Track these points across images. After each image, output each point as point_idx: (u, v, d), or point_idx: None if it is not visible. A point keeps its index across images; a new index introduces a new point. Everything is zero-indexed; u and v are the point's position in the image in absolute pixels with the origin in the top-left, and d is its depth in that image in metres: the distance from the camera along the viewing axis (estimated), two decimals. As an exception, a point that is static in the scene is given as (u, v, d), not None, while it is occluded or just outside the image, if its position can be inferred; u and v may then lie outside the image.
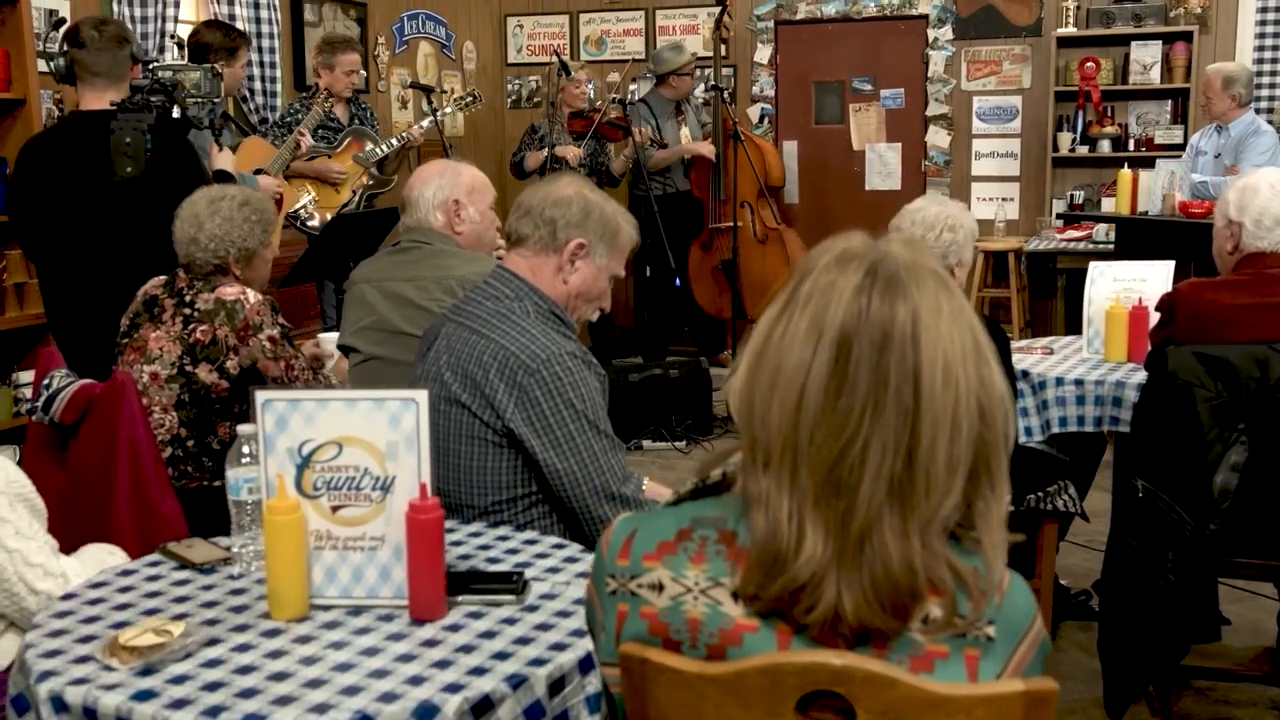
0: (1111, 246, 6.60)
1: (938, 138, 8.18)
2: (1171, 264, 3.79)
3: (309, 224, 5.92)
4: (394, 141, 6.15)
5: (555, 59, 6.96)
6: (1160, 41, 7.51)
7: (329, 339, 3.76)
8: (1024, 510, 3.49)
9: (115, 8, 5.60)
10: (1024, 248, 7.34)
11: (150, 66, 3.96)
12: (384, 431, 1.83)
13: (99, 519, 3.03)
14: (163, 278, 3.27)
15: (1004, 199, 8.11)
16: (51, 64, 3.93)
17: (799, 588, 1.26)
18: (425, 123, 6.29)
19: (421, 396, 1.82)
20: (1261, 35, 7.36)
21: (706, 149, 7.28)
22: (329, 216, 5.94)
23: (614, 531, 1.40)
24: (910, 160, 8.30)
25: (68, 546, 2.32)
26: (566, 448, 2.24)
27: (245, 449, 2.03)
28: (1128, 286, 3.77)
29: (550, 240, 2.36)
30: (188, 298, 3.14)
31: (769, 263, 7.45)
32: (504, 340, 2.28)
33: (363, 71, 6.28)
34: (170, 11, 5.85)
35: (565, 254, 2.38)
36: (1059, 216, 7.01)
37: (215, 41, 5.26)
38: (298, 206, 5.91)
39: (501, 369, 2.25)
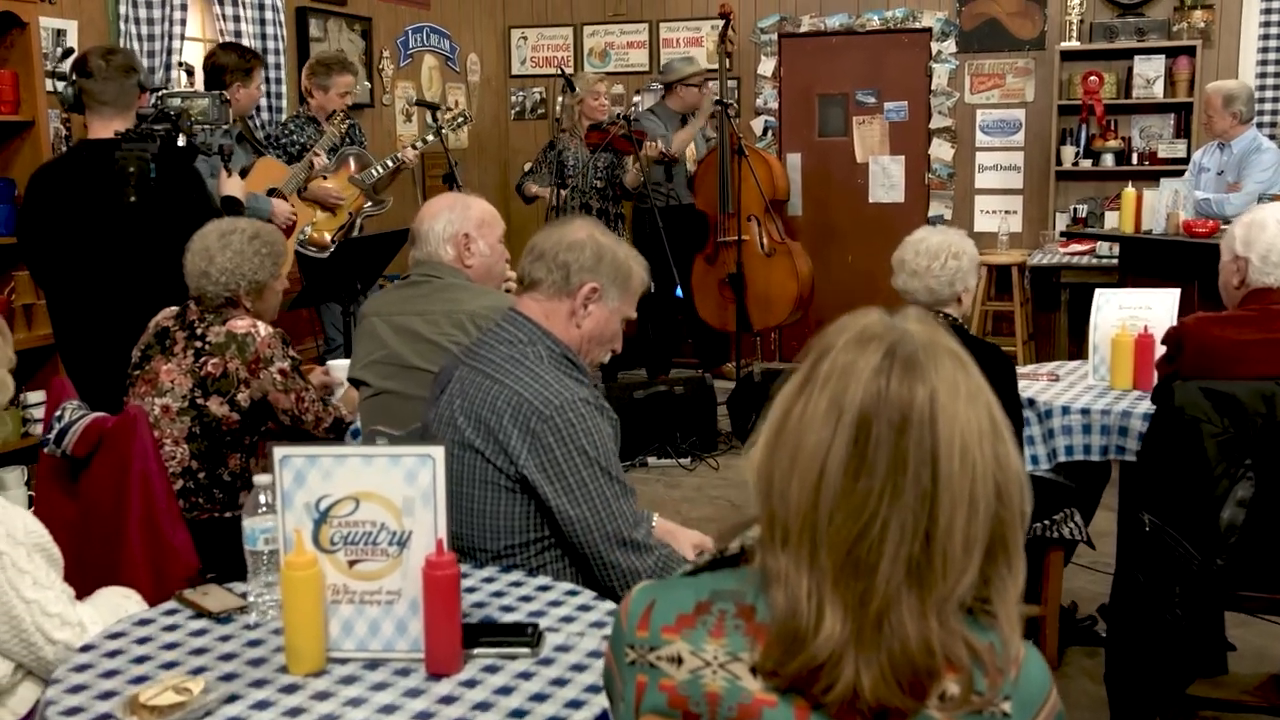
0: (1116, 261, 6.62)
1: (941, 150, 8.19)
2: (1177, 292, 3.81)
3: (309, 249, 5.93)
4: (388, 163, 6.15)
5: (560, 75, 6.96)
6: (1163, 56, 7.53)
7: (338, 367, 3.78)
8: (1030, 538, 3.51)
9: (122, 26, 5.61)
10: (1027, 262, 7.35)
11: (158, 95, 3.98)
12: (400, 487, 1.84)
13: (111, 551, 3.05)
14: (174, 309, 3.29)
15: (1007, 212, 8.12)
16: (60, 93, 3.95)
17: (818, 666, 1.28)
18: (419, 144, 6.28)
19: (438, 453, 1.83)
20: (1264, 50, 7.38)
21: (679, 142, 7.25)
22: (327, 239, 5.97)
23: (632, 601, 1.41)
24: (914, 173, 8.32)
25: (79, 578, 2.33)
26: (579, 494, 2.25)
27: (261, 498, 2.04)
28: (1134, 314, 3.78)
29: (564, 284, 2.38)
30: (199, 330, 3.16)
31: (775, 276, 7.45)
32: (517, 386, 2.29)
33: (355, 92, 6.30)
34: (177, 29, 5.87)
35: (579, 298, 2.39)
36: (1063, 234, 7.02)
37: (230, 63, 5.28)
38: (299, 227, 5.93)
39: (515, 415, 2.27)
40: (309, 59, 6.47)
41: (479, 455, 2.30)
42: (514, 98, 9.02)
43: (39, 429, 4.87)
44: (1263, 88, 7.37)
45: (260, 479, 2.04)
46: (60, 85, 5.04)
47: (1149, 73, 7.56)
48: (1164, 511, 2.97)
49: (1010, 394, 3.49)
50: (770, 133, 8.47)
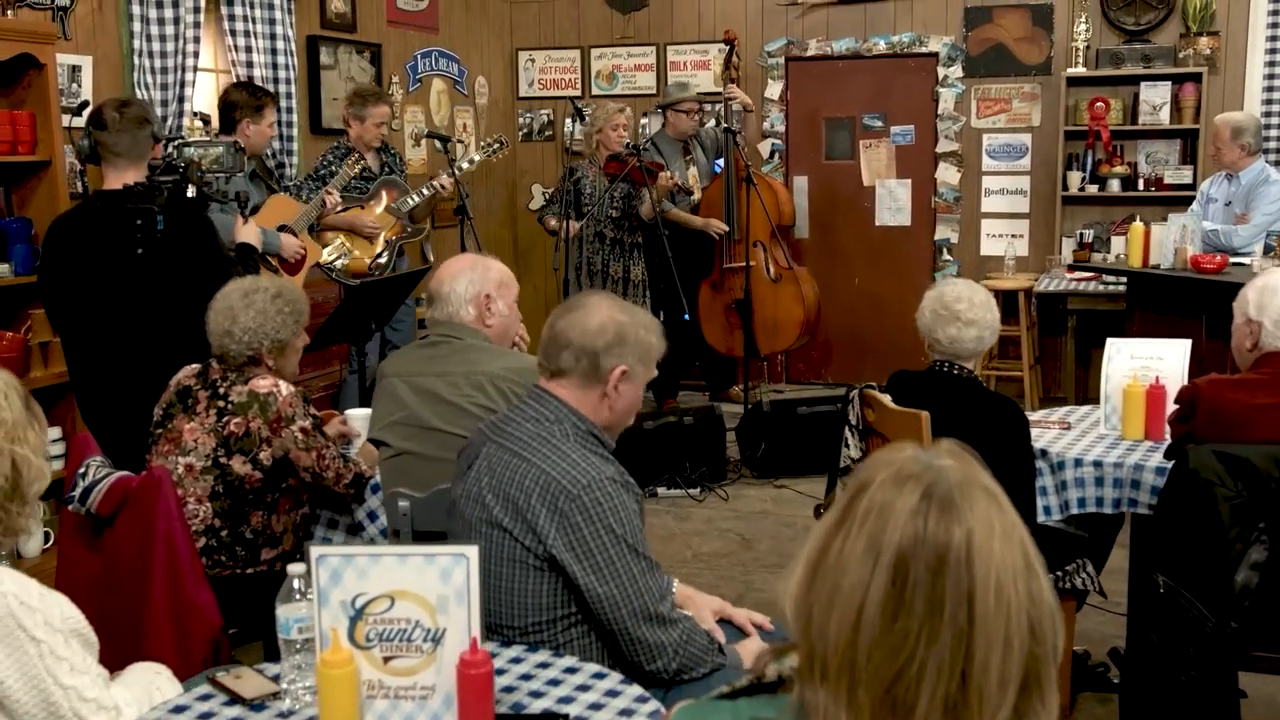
0: (1123, 287, 6.63)
1: (948, 174, 8.23)
2: (1188, 343, 3.84)
3: (350, 279, 5.97)
4: (424, 191, 6.20)
5: (571, 106, 6.99)
6: (1169, 82, 7.56)
7: (355, 417, 3.82)
8: (1043, 590, 3.53)
9: (136, 60, 5.65)
10: (1034, 288, 7.38)
11: (174, 143, 4.02)
12: (435, 585, 1.87)
13: (135, 608, 3.08)
14: (195, 367, 3.32)
15: (1014, 235, 8.16)
16: (77, 145, 3.99)
17: (857, 801, 1.31)
18: (457, 171, 6.32)
19: (472, 552, 1.86)
20: (1271, 76, 7.40)
21: (717, 227, 7.37)
22: (367, 264, 6.01)
23: None
24: (920, 196, 8.35)
25: (102, 633, 2.35)
26: (607, 572, 2.28)
27: (295, 584, 2.07)
28: (1145, 365, 3.81)
29: (593, 373, 2.41)
30: (221, 390, 3.19)
31: (782, 302, 7.49)
32: (545, 464, 2.33)
33: (392, 125, 6.35)
34: (190, 61, 5.91)
35: (611, 383, 2.43)
36: (1071, 266, 7.03)
37: (241, 101, 5.32)
38: (334, 259, 5.97)
39: (543, 494, 2.30)
40: (348, 91, 6.51)
41: (507, 534, 2.33)
42: (521, 119, 9.06)
43: (56, 465, 4.92)
44: (1269, 114, 7.39)
45: (294, 568, 2.07)
46: (74, 121, 5.11)
47: (1155, 99, 7.59)
48: (1178, 573, 3.00)
49: (1023, 447, 3.53)
50: (777, 156, 8.50)
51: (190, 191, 3.83)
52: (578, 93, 8.85)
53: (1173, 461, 3.29)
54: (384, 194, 6.16)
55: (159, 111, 5.75)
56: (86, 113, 4.06)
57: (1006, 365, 7.78)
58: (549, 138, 8.99)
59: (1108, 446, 3.70)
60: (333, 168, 6.04)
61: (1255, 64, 7.48)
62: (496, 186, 8.80)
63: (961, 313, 3.48)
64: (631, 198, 6.87)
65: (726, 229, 7.40)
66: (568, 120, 8.83)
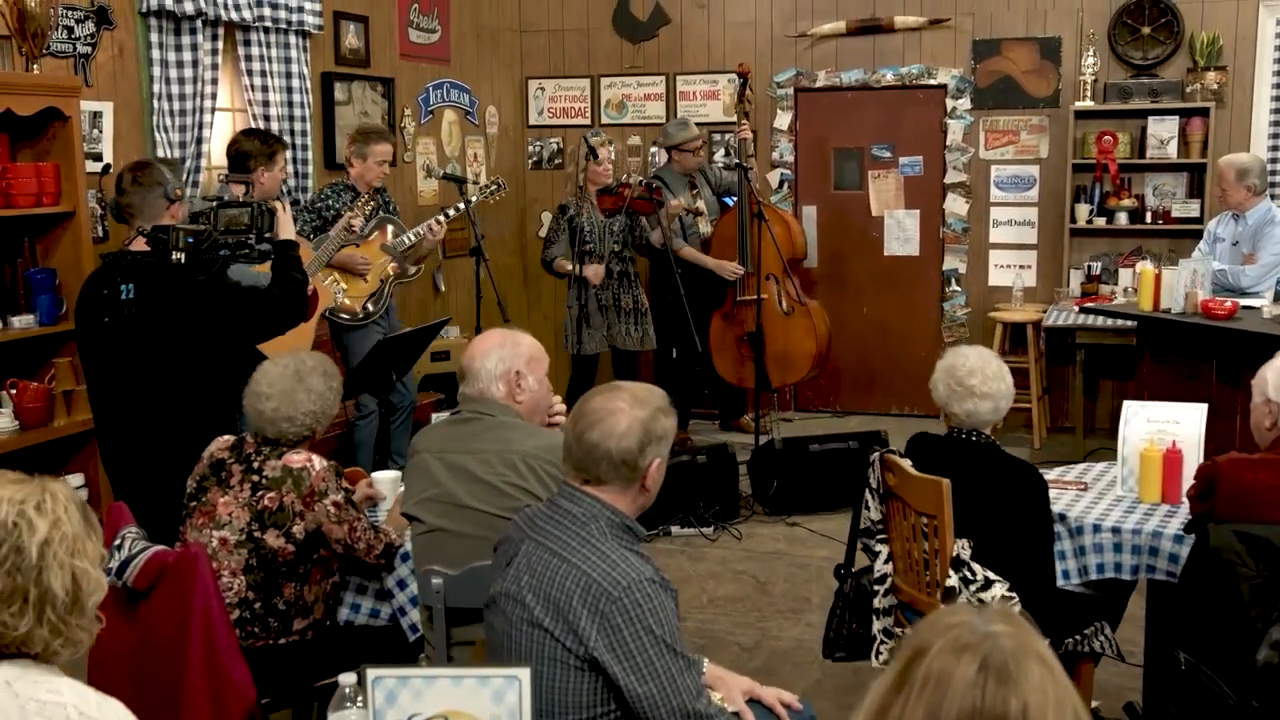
0: (1132, 323, 6.67)
1: (956, 205, 8.28)
2: (1204, 408, 3.89)
3: (341, 316, 6.02)
4: (420, 230, 6.24)
5: (583, 143, 7.03)
6: (1177, 117, 7.61)
7: (383, 480, 3.87)
8: (1062, 653, 3.59)
9: (156, 104, 5.69)
10: (1044, 321, 7.42)
11: (212, 202, 4.07)
12: (488, 706, 1.92)
13: (171, 681, 3.13)
14: (229, 439, 3.37)
15: (1021, 266, 8.21)
16: (107, 202, 4.10)
17: None
18: (447, 214, 6.36)
19: (524, 674, 1.91)
20: (1278, 111, 7.46)
21: (731, 270, 7.43)
22: (357, 307, 6.06)
23: None
24: (928, 226, 8.40)
25: (138, 706, 2.39)
26: (646, 673, 2.33)
27: (346, 692, 2.12)
28: (1161, 429, 3.86)
29: (631, 476, 2.48)
30: (255, 464, 3.24)
31: (794, 335, 7.55)
32: (585, 566, 2.38)
33: (404, 158, 6.39)
34: (208, 104, 5.95)
35: (649, 478, 2.50)
36: (1083, 309, 7.07)
37: (254, 150, 5.37)
38: (333, 291, 6.02)
39: (584, 596, 2.35)
40: (351, 130, 6.56)
41: (548, 634, 2.38)
42: (531, 148, 9.11)
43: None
44: (1276, 149, 7.46)
45: (345, 678, 2.12)
46: (91, 166, 5.19)
47: (1162, 133, 7.65)
48: (1200, 650, 3.05)
49: (1043, 512, 3.58)
50: (786, 185, 8.55)
51: (177, 257, 3.88)
52: (587, 121, 8.90)
53: (1192, 534, 3.35)
54: (378, 232, 6.19)
55: (177, 153, 5.80)
56: (114, 173, 4.17)
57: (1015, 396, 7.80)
58: (559, 166, 9.04)
59: (1125, 510, 3.75)
60: (330, 202, 6.07)
61: (1262, 99, 7.54)
62: (506, 215, 8.84)
63: (976, 387, 3.53)
64: (632, 229, 6.91)
65: (741, 272, 7.45)
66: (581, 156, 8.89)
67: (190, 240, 3.82)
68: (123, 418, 3.94)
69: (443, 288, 8.07)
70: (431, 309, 7.93)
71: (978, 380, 3.55)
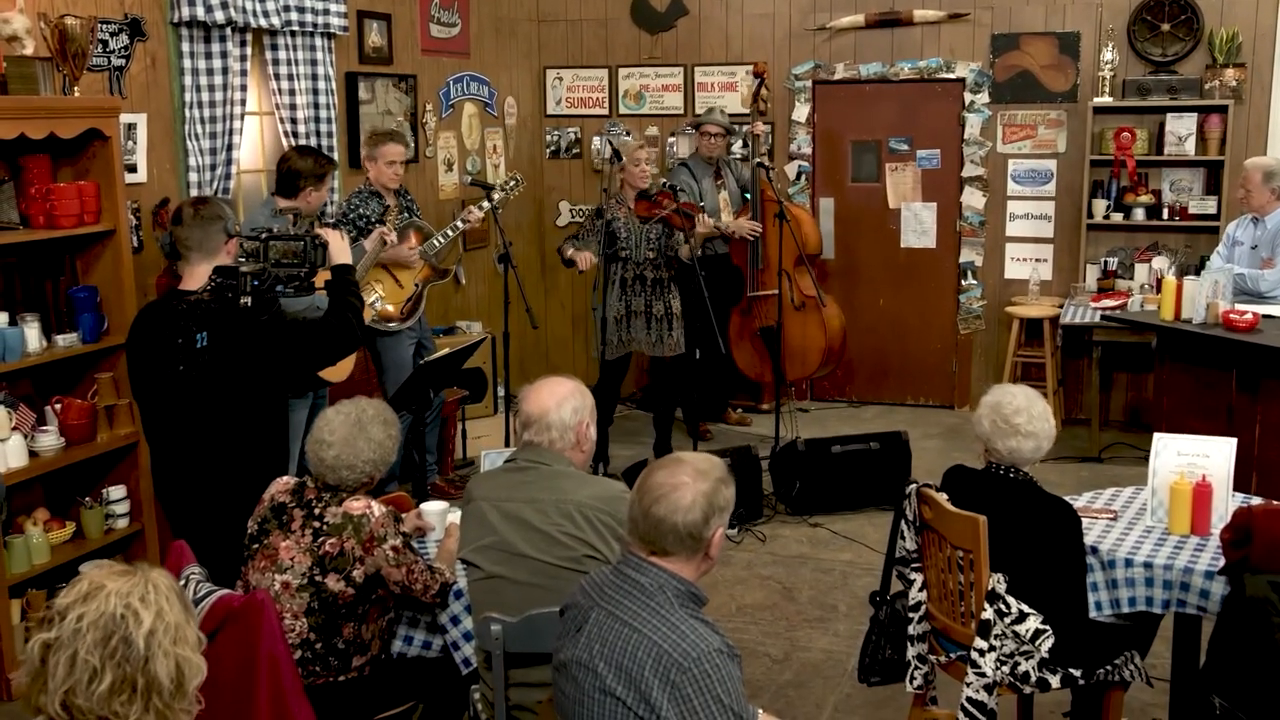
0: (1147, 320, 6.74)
1: (973, 198, 8.33)
2: (1234, 442, 3.96)
3: (384, 324, 6.09)
4: (448, 232, 6.33)
5: (608, 145, 7.07)
6: (1195, 114, 7.65)
7: (431, 511, 3.96)
8: (1093, 683, 3.69)
9: (188, 113, 5.73)
10: (1060, 318, 7.49)
11: (244, 246, 4.10)
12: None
13: (236, 721, 3.23)
14: (290, 483, 3.45)
15: (1038, 259, 8.27)
16: (159, 243, 4.13)
17: None
18: (480, 209, 6.44)
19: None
20: (1296, 109, 7.51)
21: (746, 228, 7.47)
22: (392, 310, 6.14)
23: None
24: (945, 219, 8.46)
25: None
26: (714, 740, 2.44)
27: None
28: (1191, 462, 3.94)
29: (696, 546, 2.57)
30: (317, 510, 3.33)
31: (805, 330, 7.63)
32: (656, 636, 2.47)
33: (426, 153, 6.43)
34: (237, 109, 6.00)
35: (713, 547, 2.59)
36: (1104, 318, 7.12)
37: (306, 170, 5.44)
38: (370, 301, 6.09)
39: (656, 666, 2.45)
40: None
41: (620, 702, 2.48)
42: (549, 137, 9.14)
43: (121, 523, 5.08)
44: (1293, 145, 7.51)
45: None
46: (131, 178, 5.25)
47: (1181, 130, 7.69)
48: (1235, 695, 3.16)
49: (1076, 548, 3.67)
50: (804, 178, 8.60)
51: (245, 301, 3.93)
52: (605, 111, 8.94)
53: (1224, 575, 3.45)
54: (411, 236, 6.26)
55: (208, 160, 5.85)
56: (169, 209, 4.20)
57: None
58: (576, 155, 9.08)
59: (1156, 543, 3.84)
60: (360, 209, 6.14)
61: (1281, 97, 7.58)
62: (524, 204, 8.89)
63: (1020, 426, 3.62)
64: (666, 236, 6.95)
65: (759, 227, 7.51)
66: (595, 139, 8.93)
67: (255, 283, 3.88)
68: (187, 458, 3.98)
69: (463, 280, 8.13)
70: (453, 301, 8.01)
71: (1023, 419, 3.63)
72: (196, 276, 4.01)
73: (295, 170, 5.43)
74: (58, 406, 4.86)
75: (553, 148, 9.16)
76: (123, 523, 5.09)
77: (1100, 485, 6.85)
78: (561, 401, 3.26)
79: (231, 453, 3.96)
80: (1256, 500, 4.18)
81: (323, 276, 4.30)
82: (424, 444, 6.01)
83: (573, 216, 9.13)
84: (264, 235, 4.12)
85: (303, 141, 6.37)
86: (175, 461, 4.02)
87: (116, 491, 5.06)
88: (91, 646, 2.01)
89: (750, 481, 6.43)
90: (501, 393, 7.59)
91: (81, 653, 2.01)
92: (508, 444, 6.94)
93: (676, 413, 7.59)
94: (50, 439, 4.77)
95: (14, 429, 4.63)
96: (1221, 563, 3.52)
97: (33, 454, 4.69)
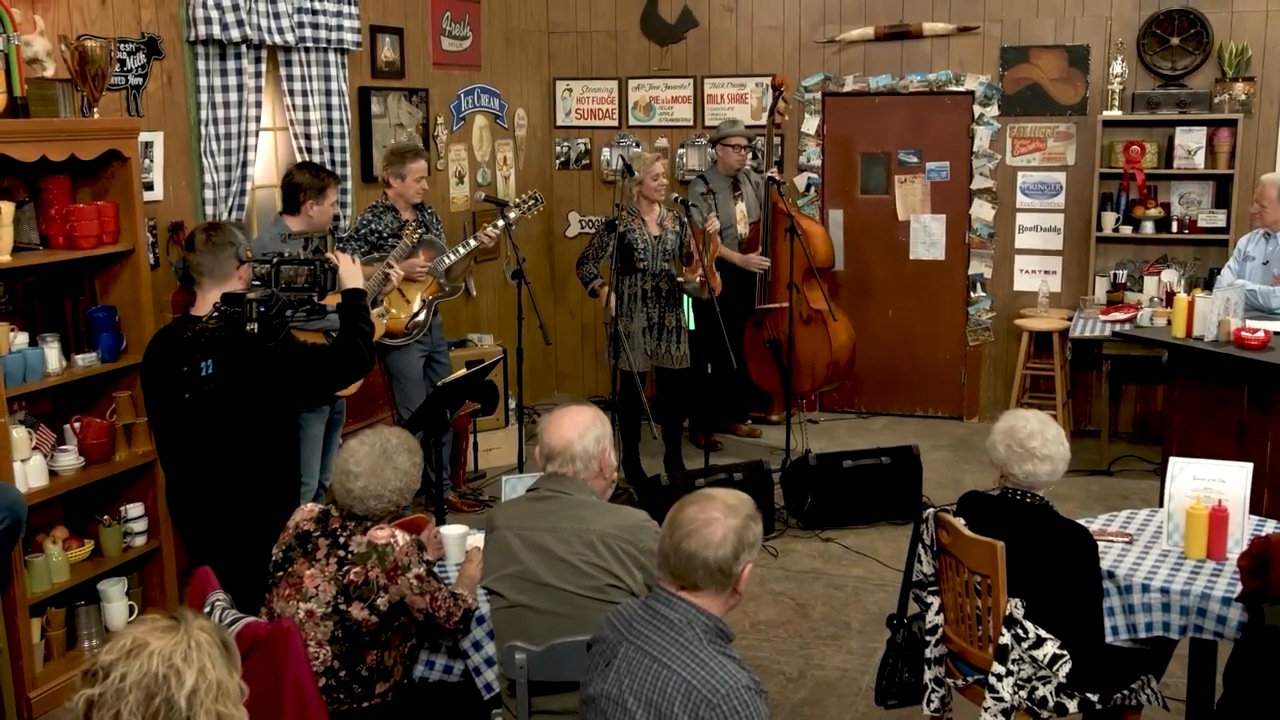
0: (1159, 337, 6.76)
1: (982, 210, 8.35)
2: (1249, 466, 3.99)
3: (389, 340, 6.13)
4: (470, 242, 6.37)
5: (620, 162, 7.08)
6: (1205, 127, 7.67)
7: (451, 536, 3.98)
8: (1110, 707, 3.71)
9: (204, 130, 5.75)
10: (1071, 331, 7.51)
11: (256, 271, 4.13)
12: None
13: (261, 749, 3.26)
14: (314, 510, 3.48)
15: (1047, 272, 8.29)
16: (174, 267, 4.16)
17: None
18: (494, 228, 6.48)
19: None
20: (1305, 123, 7.53)
21: (758, 263, 7.56)
22: (403, 323, 6.16)
23: None
24: (954, 231, 8.48)
25: None
26: (740, 774, 2.46)
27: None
28: (1207, 486, 3.97)
29: (725, 582, 2.60)
30: (341, 539, 3.35)
31: (813, 343, 7.66)
32: (685, 672, 2.50)
33: (438, 166, 6.46)
34: (252, 126, 6.02)
35: (741, 582, 2.62)
36: (1115, 335, 7.13)
37: (305, 183, 5.47)
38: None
39: (685, 702, 2.48)
40: (387, 144, 6.63)
41: (649, 740, 2.50)
42: (559, 148, 9.17)
43: (139, 541, 5.10)
44: (1301, 159, 7.53)
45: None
46: (148, 195, 5.27)
47: (1190, 144, 7.71)
48: (1252, 724, 3.18)
49: (1093, 573, 3.70)
50: (813, 189, 8.62)
51: (251, 327, 3.96)
52: (614, 123, 8.96)
53: (1242, 603, 3.47)
54: (422, 254, 6.28)
55: (223, 177, 5.88)
56: (183, 236, 4.24)
57: (1039, 402, 7.92)
58: (586, 166, 9.11)
59: (1172, 568, 3.86)
60: (373, 225, 6.17)
61: (1290, 111, 7.60)
62: (534, 215, 8.90)
63: (1036, 449, 3.65)
64: (683, 247, 6.95)
65: (768, 263, 7.55)
66: (605, 150, 8.96)
67: (262, 309, 3.90)
68: (199, 482, 4.03)
69: (474, 291, 8.16)
70: (463, 313, 8.03)
71: (1038, 443, 3.66)
72: (208, 302, 4.06)
73: (295, 184, 5.48)
74: (77, 425, 4.89)
75: (562, 159, 9.19)
76: (140, 540, 5.12)
77: (1110, 498, 6.93)
78: (584, 432, 3.29)
79: (241, 477, 4.00)
80: (1271, 525, 4.21)
81: (333, 299, 4.33)
82: (440, 464, 6.03)
83: (582, 228, 9.16)
84: (274, 259, 4.14)
85: (316, 157, 6.40)
86: (188, 486, 4.06)
87: (134, 509, 5.08)
88: (135, 707, 2.03)
89: (763, 497, 6.45)
90: (513, 405, 7.62)
91: (125, 714, 2.03)
92: (520, 457, 6.96)
93: (684, 423, 7.61)
94: (70, 458, 4.79)
95: (34, 449, 4.66)
96: (1239, 589, 3.55)
97: (53, 474, 4.72)
